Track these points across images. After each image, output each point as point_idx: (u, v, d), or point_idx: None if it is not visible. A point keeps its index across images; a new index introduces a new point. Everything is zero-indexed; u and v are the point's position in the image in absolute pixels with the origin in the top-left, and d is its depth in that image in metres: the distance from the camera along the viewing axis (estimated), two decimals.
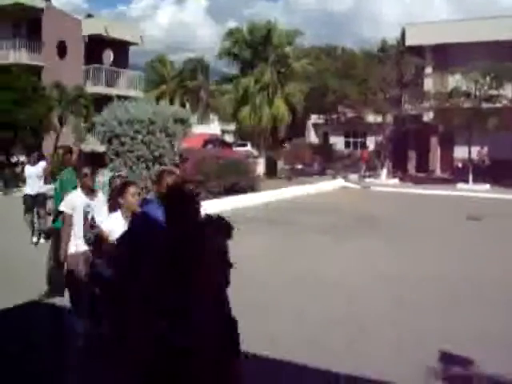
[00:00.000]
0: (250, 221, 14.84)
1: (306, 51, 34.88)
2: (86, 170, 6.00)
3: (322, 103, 32.41)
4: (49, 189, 10.56)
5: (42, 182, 11.35)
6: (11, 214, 13.34)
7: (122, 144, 14.92)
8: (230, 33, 30.39)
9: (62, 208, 6.03)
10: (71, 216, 5.89)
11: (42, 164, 11.59)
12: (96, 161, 28.94)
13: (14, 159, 25.33)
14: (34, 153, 12.22)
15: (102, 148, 21.47)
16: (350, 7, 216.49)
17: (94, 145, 28.40)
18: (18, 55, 32.34)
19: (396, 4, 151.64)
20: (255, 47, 29.62)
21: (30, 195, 11.27)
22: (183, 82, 46.81)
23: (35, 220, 11.26)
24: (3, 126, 23.58)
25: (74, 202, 5.92)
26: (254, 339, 4.94)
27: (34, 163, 11.58)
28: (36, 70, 31.29)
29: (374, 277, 8.81)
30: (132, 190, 5.07)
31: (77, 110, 28.73)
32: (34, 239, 11.01)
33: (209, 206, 15.70)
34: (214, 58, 36.01)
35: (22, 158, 28.11)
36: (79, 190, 6.03)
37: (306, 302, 7.39)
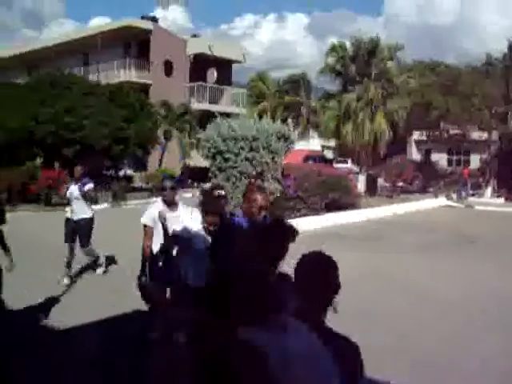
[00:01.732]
0: (351, 238, 14.73)
1: (408, 66, 34.31)
2: (169, 184, 6.02)
3: (424, 119, 31.72)
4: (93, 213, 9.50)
5: (85, 204, 9.36)
6: (117, 226, 13.88)
7: (226, 160, 15.23)
8: (333, 49, 30.40)
9: (142, 220, 6.00)
10: (152, 228, 5.89)
11: (89, 185, 9.33)
12: (199, 175, 29.76)
13: (121, 173, 26.47)
14: (77, 166, 9.64)
15: (204, 163, 22.06)
16: (452, 21, 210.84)
17: (197, 160, 29.20)
18: (127, 74, 33.90)
19: (500, 17, 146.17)
20: (359, 63, 29.47)
21: (72, 220, 9.33)
22: (284, 98, 47.18)
23: (72, 252, 9.37)
24: (114, 141, 24.77)
25: (154, 214, 5.89)
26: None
27: (76, 181, 9.39)
28: (144, 88, 32.67)
29: (482, 296, 8.48)
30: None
31: (182, 126, 29.69)
32: (65, 280, 8.96)
33: (309, 223, 15.79)
34: (314, 74, 36.08)
35: (130, 172, 29.37)
36: (160, 201, 6.06)
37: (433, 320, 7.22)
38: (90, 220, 9.40)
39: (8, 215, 6.44)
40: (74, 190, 9.26)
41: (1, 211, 6.10)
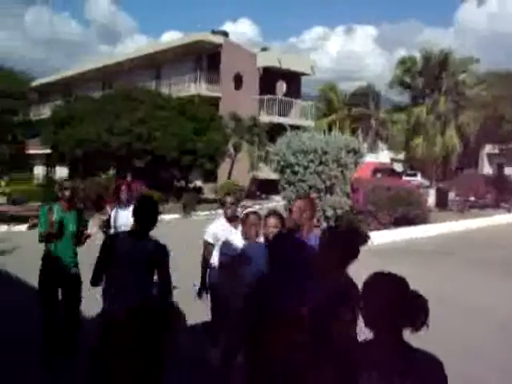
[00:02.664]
0: (422, 253, 14.52)
1: (480, 78, 33.56)
2: (229, 199, 5.96)
3: (497, 132, 30.93)
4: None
5: None
6: (187, 237, 14.12)
7: (295, 173, 15.33)
8: (403, 61, 30.09)
9: (205, 238, 5.94)
10: (212, 246, 5.83)
11: None
12: (269, 188, 30.01)
13: (192, 184, 26.98)
14: (122, 187, 7.58)
15: (273, 176, 22.23)
16: None
17: (266, 173, 29.47)
18: (198, 87, 34.54)
19: None
20: (428, 75, 29.04)
21: None
22: (352, 110, 46.96)
23: None
24: (184, 152, 25.34)
25: (215, 231, 5.86)
26: None
27: (126, 205, 7.30)
28: (214, 101, 33.20)
29: None
30: (251, 219, 5.16)
31: (251, 139, 30.03)
32: None
33: (379, 237, 15.66)
34: (383, 86, 35.78)
35: (199, 183, 29.89)
36: (222, 217, 6.00)
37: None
38: None
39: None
40: (121, 216, 7.21)
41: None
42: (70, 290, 5.96)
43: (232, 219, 5.84)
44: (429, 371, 2.43)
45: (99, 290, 4.52)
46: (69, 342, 5.97)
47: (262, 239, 5.05)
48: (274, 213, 4.98)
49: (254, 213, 5.36)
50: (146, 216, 4.33)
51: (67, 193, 5.99)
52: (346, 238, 3.59)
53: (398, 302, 2.47)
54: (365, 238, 4.30)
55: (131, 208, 6.56)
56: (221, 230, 5.78)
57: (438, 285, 10.61)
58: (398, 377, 2.41)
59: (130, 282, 4.27)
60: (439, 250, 15.13)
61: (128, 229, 6.32)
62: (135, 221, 4.41)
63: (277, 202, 22.81)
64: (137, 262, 4.27)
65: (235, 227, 5.69)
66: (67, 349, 5.91)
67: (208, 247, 5.89)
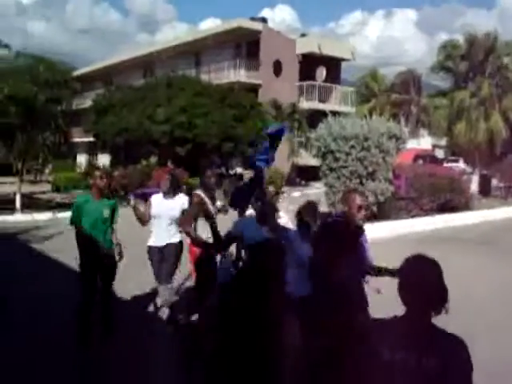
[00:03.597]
0: (463, 241, 14.36)
1: None
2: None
3: None
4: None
5: (174, 226, 6.76)
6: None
7: (336, 159, 15.24)
8: (445, 46, 29.63)
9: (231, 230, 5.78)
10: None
11: (183, 199, 6.80)
12: (309, 174, 29.94)
13: (232, 171, 27.08)
14: (169, 174, 7.25)
15: (313, 162, 22.13)
16: None
17: (306, 159, 29.41)
18: (238, 74, 34.55)
19: None
20: (472, 59, 28.52)
21: (157, 247, 6.78)
22: (393, 96, 46.33)
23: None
24: (224, 139, 25.46)
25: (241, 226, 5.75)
26: None
27: (168, 193, 6.84)
28: (254, 88, 33.20)
29: None
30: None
31: (291, 125, 29.97)
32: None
33: (420, 224, 15.52)
34: (424, 71, 35.23)
35: (240, 170, 30.01)
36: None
37: None
38: (180, 245, 6.88)
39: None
40: (164, 205, 6.76)
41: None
42: (106, 270, 6.27)
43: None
44: (454, 351, 2.51)
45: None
46: (106, 319, 6.33)
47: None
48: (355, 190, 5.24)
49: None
50: None
51: (99, 181, 6.22)
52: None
53: (436, 284, 2.57)
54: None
55: (176, 198, 6.79)
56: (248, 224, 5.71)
57: (481, 274, 10.52)
58: (425, 355, 2.51)
59: None
60: (478, 238, 14.89)
61: (167, 219, 6.67)
62: None
63: (317, 188, 22.74)
64: None
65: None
66: (104, 326, 6.28)
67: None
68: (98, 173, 6.42)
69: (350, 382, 2.99)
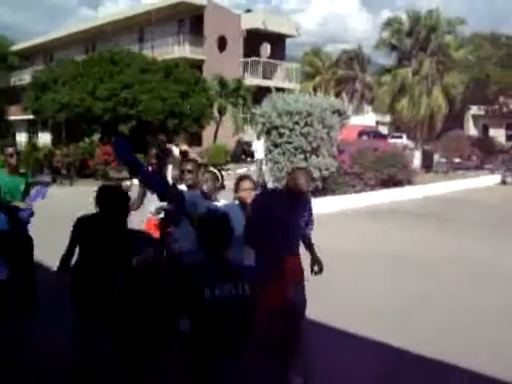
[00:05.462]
0: (409, 214, 14.60)
1: (467, 40, 33.40)
2: (189, 167, 5.52)
3: (482, 94, 30.98)
4: None
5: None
6: None
7: (281, 135, 15.23)
8: (389, 23, 29.83)
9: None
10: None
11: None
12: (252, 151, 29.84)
13: (177, 148, 26.79)
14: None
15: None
16: None
17: (251, 135, 29.31)
18: (182, 50, 34.12)
19: None
20: (416, 37, 28.84)
21: None
22: (338, 73, 46.72)
23: None
24: (169, 115, 25.13)
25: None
26: None
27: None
28: (198, 64, 32.87)
29: None
30: (246, 184, 5.10)
31: (236, 102, 29.81)
32: None
33: (364, 198, 15.72)
34: (369, 48, 35.49)
35: (185, 147, 29.66)
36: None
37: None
38: None
39: (66, 190, 6.72)
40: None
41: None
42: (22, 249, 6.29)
43: (192, 186, 5.51)
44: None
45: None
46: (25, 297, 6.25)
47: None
48: (246, 177, 5.24)
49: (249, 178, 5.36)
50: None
51: (11, 160, 6.40)
52: None
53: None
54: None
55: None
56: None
57: (423, 245, 10.73)
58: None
59: None
60: (422, 211, 15.19)
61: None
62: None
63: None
64: None
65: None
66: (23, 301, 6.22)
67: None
68: (9, 150, 6.46)
69: None
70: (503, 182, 23.34)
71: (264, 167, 18.21)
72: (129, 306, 3.58)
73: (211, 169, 5.58)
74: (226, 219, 3.39)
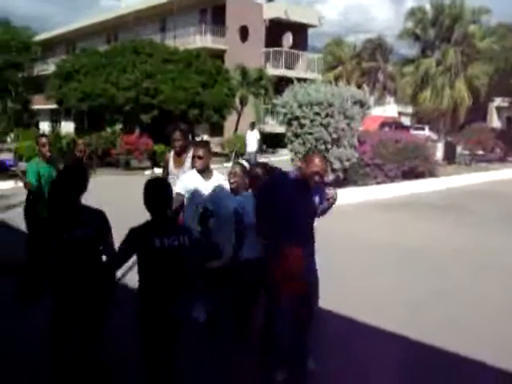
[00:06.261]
0: (429, 206, 14.51)
1: (491, 29, 32.84)
2: (200, 153, 5.55)
3: (506, 85, 30.47)
4: None
5: None
6: None
7: (302, 126, 15.20)
8: (413, 12, 29.43)
9: (176, 189, 5.49)
10: (182, 197, 5.61)
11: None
12: (275, 141, 29.89)
13: (199, 138, 26.85)
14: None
15: (279, 129, 22.00)
16: None
17: (272, 126, 29.30)
18: (204, 40, 34.13)
19: None
20: (439, 27, 28.44)
21: None
22: (360, 63, 46.25)
23: None
24: (190, 105, 25.18)
25: (186, 182, 5.63)
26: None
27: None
28: (220, 54, 32.87)
29: None
30: (238, 170, 5.35)
31: (257, 92, 29.74)
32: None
33: (386, 190, 15.63)
34: (391, 38, 35.16)
35: (206, 137, 29.78)
36: (194, 171, 5.70)
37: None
38: None
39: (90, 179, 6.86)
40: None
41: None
42: None
43: (203, 172, 5.61)
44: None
45: None
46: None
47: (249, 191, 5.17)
48: (238, 163, 5.53)
49: (241, 165, 5.51)
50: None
51: (45, 149, 6.91)
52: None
53: None
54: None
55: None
56: (191, 181, 5.61)
57: (441, 238, 10.67)
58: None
59: None
60: (439, 203, 15.06)
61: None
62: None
63: (284, 155, 22.71)
64: None
65: (206, 179, 5.60)
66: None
67: (178, 197, 5.52)
68: (43, 140, 6.97)
69: None
70: None
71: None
72: (63, 275, 4.01)
73: (241, 161, 5.65)
74: (165, 184, 4.01)
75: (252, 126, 22.88)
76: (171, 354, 3.92)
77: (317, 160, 4.38)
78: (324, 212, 4.69)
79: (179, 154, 6.53)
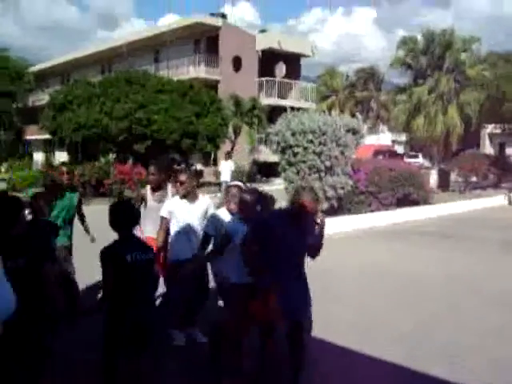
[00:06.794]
0: (423, 234, 14.45)
1: (482, 58, 33.28)
2: (182, 178, 5.79)
3: (498, 112, 30.73)
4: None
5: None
6: None
7: (295, 154, 15.16)
8: (404, 41, 29.84)
9: (161, 213, 5.89)
10: (167, 220, 5.84)
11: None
12: (269, 171, 29.85)
13: (192, 167, 26.82)
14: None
15: (273, 158, 22.01)
16: None
17: (266, 155, 29.32)
18: (197, 70, 34.33)
19: None
20: (431, 55, 28.79)
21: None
22: (353, 92, 46.71)
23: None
24: (184, 135, 25.20)
25: (171, 207, 5.87)
26: None
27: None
28: (213, 84, 33.02)
29: None
30: (233, 191, 5.31)
31: (251, 121, 29.83)
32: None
33: (380, 218, 15.57)
34: (384, 67, 35.45)
35: (199, 166, 29.77)
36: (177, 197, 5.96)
37: None
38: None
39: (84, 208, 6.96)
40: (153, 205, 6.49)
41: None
42: None
43: (185, 195, 5.82)
44: None
45: None
46: None
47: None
48: (235, 185, 5.49)
49: (236, 186, 5.49)
50: None
51: (64, 176, 6.97)
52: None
53: None
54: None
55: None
56: (175, 205, 5.85)
57: (438, 264, 10.58)
58: None
59: None
60: (438, 230, 15.03)
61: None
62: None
63: (277, 184, 22.67)
64: None
65: (191, 202, 5.83)
66: None
67: (164, 221, 5.86)
68: (63, 168, 7.32)
69: None
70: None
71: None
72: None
73: (237, 183, 5.66)
74: (130, 205, 4.54)
75: (227, 155, 22.99)
76: (137, 364, 4.24)
77: (307, 199, 4.35)
78: (317, 247, 4.62)
79: (154, 190, 6.59)
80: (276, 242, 4.36)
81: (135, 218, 4.35)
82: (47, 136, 34.47)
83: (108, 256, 4.08)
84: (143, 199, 6.65)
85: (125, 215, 4.23)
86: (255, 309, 4.49)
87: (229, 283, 4.92)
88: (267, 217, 4.73)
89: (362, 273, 9.54)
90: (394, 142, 47.20)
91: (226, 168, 22.42)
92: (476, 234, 14.36)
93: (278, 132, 15.67)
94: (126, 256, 4.08)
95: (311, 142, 14.78)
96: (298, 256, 4.52)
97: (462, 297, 8.13)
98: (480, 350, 5.95)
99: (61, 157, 39.44)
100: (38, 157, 46.97)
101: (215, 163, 31.05)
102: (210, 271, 5.78)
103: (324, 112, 17.04)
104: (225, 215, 5.39)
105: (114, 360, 4.16)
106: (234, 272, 4.85)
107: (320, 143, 14.77)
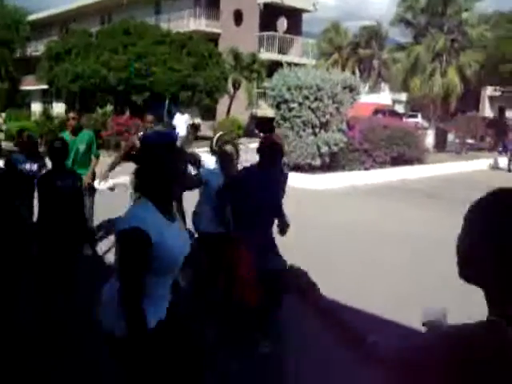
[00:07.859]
0: (415, 193, 14.55)
1: (485, 17, 32.77)
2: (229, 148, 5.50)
3: (499, 74, 30.49)
4: None
5: None
6: None
7: (290, 109, 15.23)
8: None
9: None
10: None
11: None
12: (266, 126, 29.79)
13: (190, 121, 26.78)
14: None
15: (271, 113, 22.00)
16: None
17: (265, 110, 29.23)
18: (198, 23, 33.92)
19: None
20: (431, 13, 28.41)
21: None
22: (356, 50, 46.16)
23: None
24: (182, 87, 25.10)
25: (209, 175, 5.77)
26: None
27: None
28: (213, 37, 32.69)
29: None
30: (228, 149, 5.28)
31: (250, 76, 29.64)
32: None
33: (373, 175, 15.68)
34: (387, 25, 35.04)
35: (198, 121, 29.68)
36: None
37: None
38: None
39: None
40: None
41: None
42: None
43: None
44: None
45: None
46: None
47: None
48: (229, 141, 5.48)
49: (232, 143, 5.49)
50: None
51: (72, 121, 7.59)
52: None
53: None
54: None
55: None
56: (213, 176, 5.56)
57: (426, 225, 10.73)
58: None
59: None
60: (429, 190, 15.09)
61: None
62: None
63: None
64: None
65: None
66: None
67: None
68: (71, 114, 7.85)
69: None
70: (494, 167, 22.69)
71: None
72: None
73: (229, 139, 5.73)
74: (64, 142, 5.25)
75: (182, 110, 22.43)
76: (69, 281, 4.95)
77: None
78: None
79: None
80: (245, 196, 4.45)
81: (65, 153, 5.20)
82: (45, 86, 34.32)
83: (42, 181, 5.03)
84: (133, 147, 6.67)
85: (57, 150, 5.05)
86: (226, 256, 4.60)
87: (200, 231, 5.20)
88: (241, 173, 4.85)
89: (345, 230, 9.57)
90: (394, 101, 46.93)
91: (180, 122, 21.90)
92: (462, 195, 14.42)
93: (274, 86, 15.69)
94: (56, 181, 4.90)
95: (307, 97, 14.81)
96: (268, 209, 4.60)
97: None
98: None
99: (58, 108, 39.29)
100: (36, 107, 46.76)
101: (213, 117, 31.00)
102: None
103: (327, 69, 16.92)
104: (211, 162, 5.53)
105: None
106: (205, 221, 5.09)
107: (316, 99, 14.81)
